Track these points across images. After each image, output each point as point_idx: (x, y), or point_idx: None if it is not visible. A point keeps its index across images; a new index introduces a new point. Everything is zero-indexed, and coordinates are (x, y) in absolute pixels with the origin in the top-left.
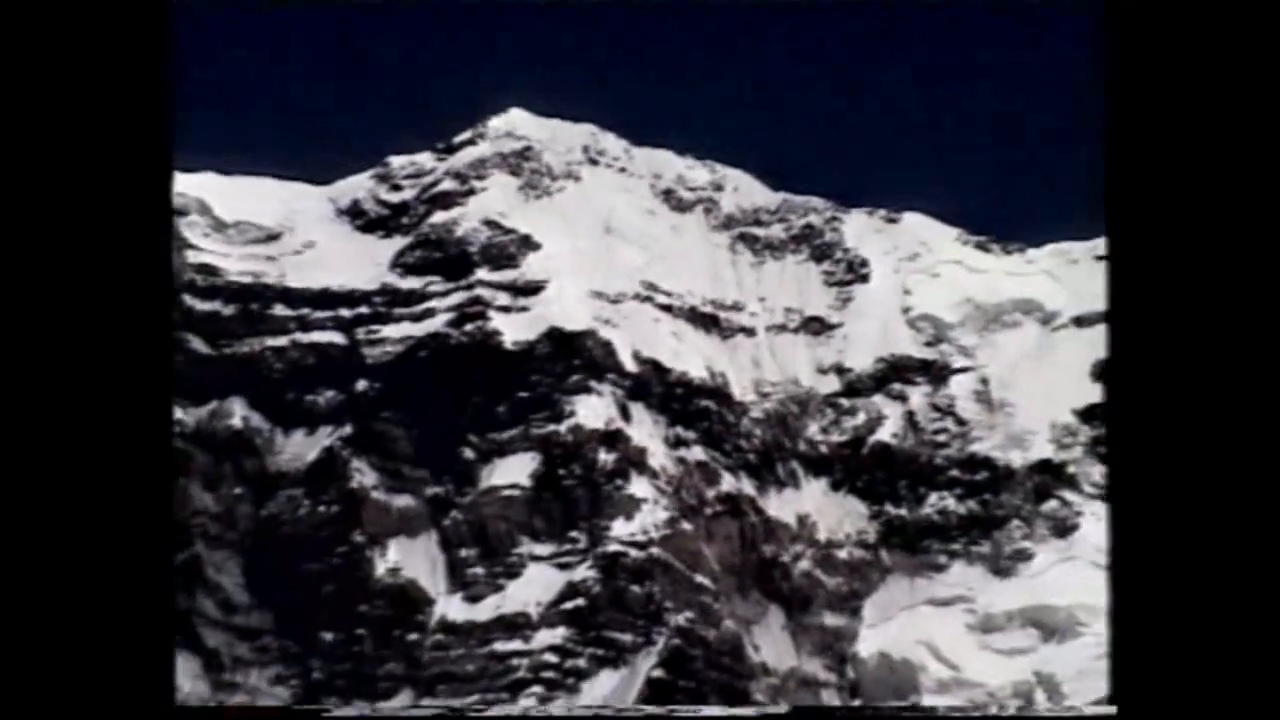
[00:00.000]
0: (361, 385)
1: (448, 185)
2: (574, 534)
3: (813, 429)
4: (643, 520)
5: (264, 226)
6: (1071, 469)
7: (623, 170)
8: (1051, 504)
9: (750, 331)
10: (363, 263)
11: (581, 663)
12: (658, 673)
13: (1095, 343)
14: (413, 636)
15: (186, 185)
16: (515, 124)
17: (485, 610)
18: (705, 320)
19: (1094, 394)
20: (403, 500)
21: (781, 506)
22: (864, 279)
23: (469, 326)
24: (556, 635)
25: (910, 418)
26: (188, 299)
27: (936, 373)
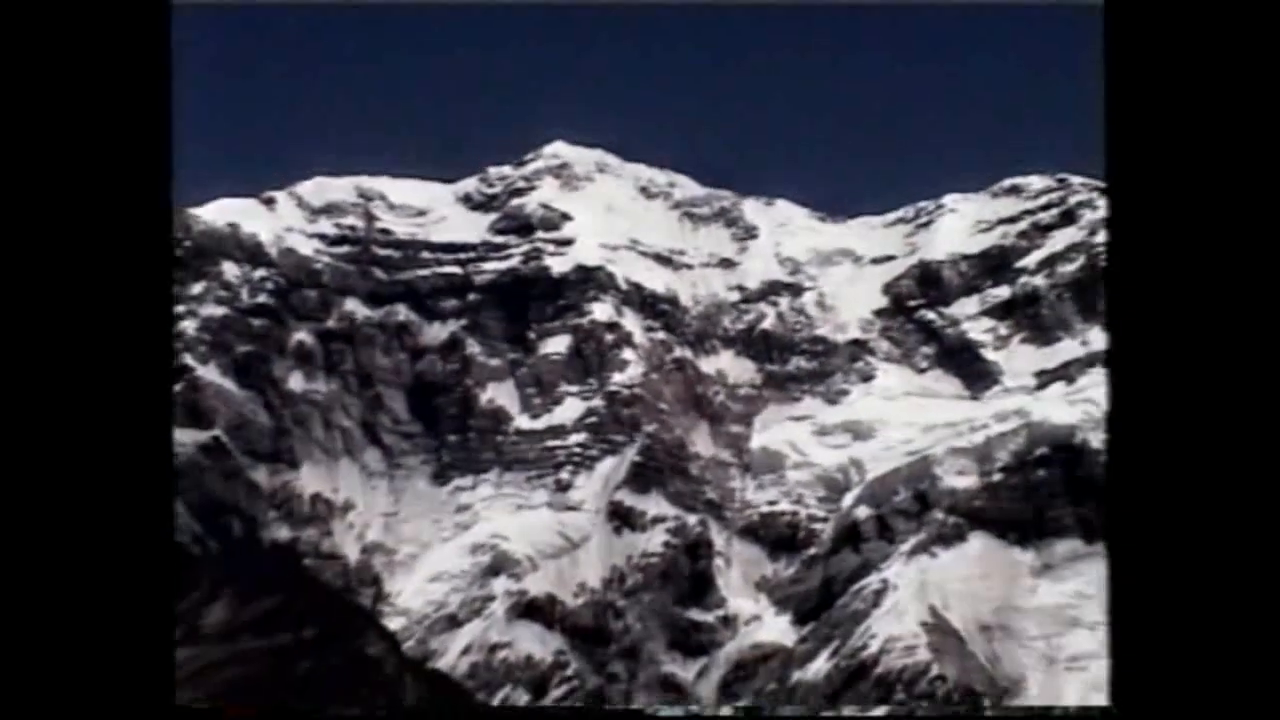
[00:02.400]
0: (472, 297)
1: (520, 184)
2: (590, 380)
3: (725, 321)
4: (629, 373)
5: (416, 207)
6: (871, 344)
7: (617, 176)
8: (859, 364)
9: (690, 267)
10: (472, 228)
11: (594, 453)
12: (637, 459)
13: (884, 273)
14: (499, 438)
15: (372, 184)
16: (558, 150)
17: (541, 423)
18: (664, 260)
19: (884, 301)
20: (494, 361)
21: (707, 365)
22: (754, 237)
23: (531, 264)
24: (580, 437)
25: (780, 315)
26: (373, 248)
27: (794, 290)
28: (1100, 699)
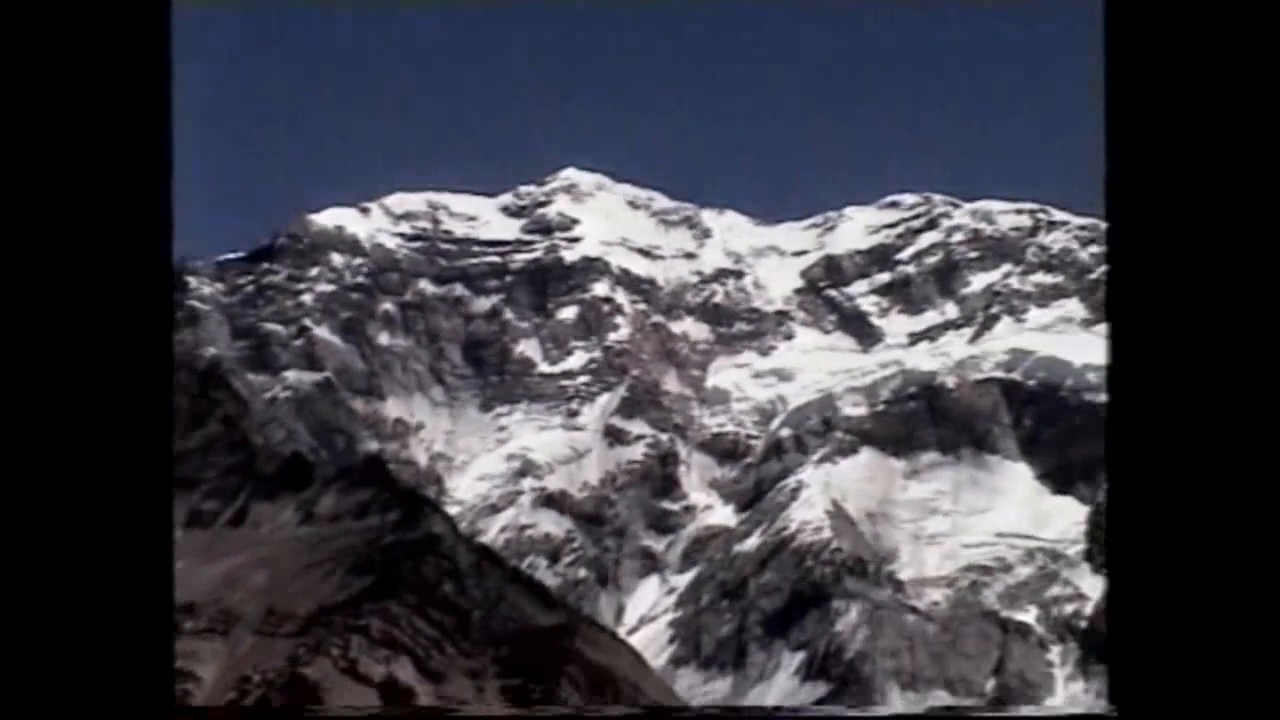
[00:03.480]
0: (508, 279)
1: (542, 198)
2: (592, 338)
3: (688, 296)
4: (620, 333)
5: (469, 214)
6: (792, 314)
7: (612, 193)
8: (783, 328)
9: (663, 258)
10: (508, 229)
11: (595, 390)
12: (625, 394)
13: (801, 263)
14: (527, 379)
15: (438, 198)
16: (570, 175)
17: (557, 368)
18: (645, 253)
19: (801, 283)
20: (524, 324)
21: (676, 328)
22: (709, 236)
23: (551, 255)
24: (585, 378)
25: (727, 293)
26: (438, 243)
27: (737, 275)
28: (951, 567)
